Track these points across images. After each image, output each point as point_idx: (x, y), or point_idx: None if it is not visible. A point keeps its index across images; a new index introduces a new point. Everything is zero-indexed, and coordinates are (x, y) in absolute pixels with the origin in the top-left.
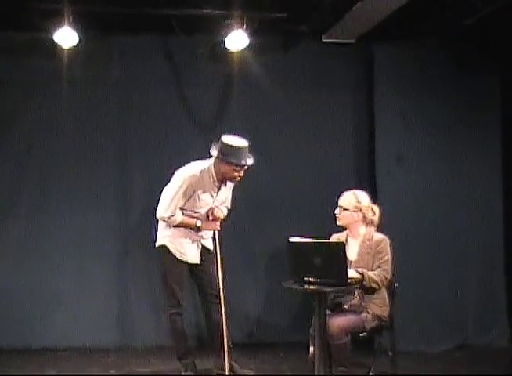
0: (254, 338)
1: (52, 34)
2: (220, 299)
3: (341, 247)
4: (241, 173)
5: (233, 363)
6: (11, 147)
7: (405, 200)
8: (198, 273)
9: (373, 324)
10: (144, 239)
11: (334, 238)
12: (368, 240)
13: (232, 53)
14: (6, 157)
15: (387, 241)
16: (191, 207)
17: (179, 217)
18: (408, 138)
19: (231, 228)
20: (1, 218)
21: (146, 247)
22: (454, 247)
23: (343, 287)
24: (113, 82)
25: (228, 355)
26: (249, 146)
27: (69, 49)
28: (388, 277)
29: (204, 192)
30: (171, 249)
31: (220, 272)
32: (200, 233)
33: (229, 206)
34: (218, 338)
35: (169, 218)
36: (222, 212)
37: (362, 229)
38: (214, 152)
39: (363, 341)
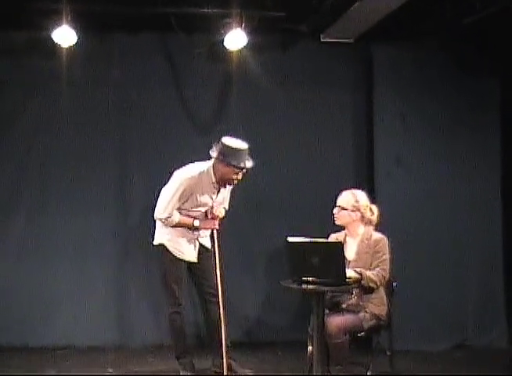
0: (252, 337)
1: (51, 34)
2: (218, 298)
3: (339, 246)
4: (240, 176)
5: (232, 362)
6: (11, 148)
7: (404, 200)
8: (196, 272)
9: (371, 324)
10: (143, 239)
11: (333, 238)
12: (366, 239)
13: (231, 52)
14: (6, 158)
15: (386, 241)
16: (189, 207)
17: (176, 218)
18: (407, 138)
19: (230, 227)
20: (2, 218)
21: (146, 247)
22: (453, 248)
23: (341, 287)
24: (113, 81)
25: (227, 353)
26: (249, 148)
27: (68, 49)
28: (386, 277)
29: (203, 194)
30: (168, 247)
31: (218, 270)
32: (197, 232)
33: (227, 207)
34: (217, 337)
35: (166, 219)
36: (221, 211)
37: (361, 229)
38: (213, 153)
39: (361, 341)
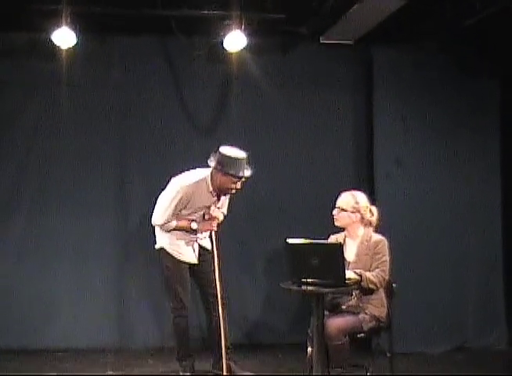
0: (252, 338)
1: (51, 35)
2: (217, 299)
3: (339, 248)
4: (238, 185)
5: (232, 364)
6: (11, 148)
7: (404, 202)
8: (198, 274)
9: (371, 325)
10: (143, 241)
11: (332, 239)
12: (366, 240)
13: (231, 54)
14: (6, 159)
15: (386, 242)
16: (186, 214)
17: (173, 223)
18: (407, 140)
19: (229, 229)
20: (2, 219)
21: (146, 248)
22: (453, 249)
23: (341, 288)
24: (113, 83)
25: (226, 355)
26: (247, 157)
27: (68, 50)
28: (386, 278)
29: (200, 201)
30: (169, 251)
31: (217, 272)
32: (195, 234)
33: (226, 212)
34: (217, 338)
35: (162, 225)
36: (218, 214)
37: (361, 230)
38: (211, 163)
39: (361, 342)
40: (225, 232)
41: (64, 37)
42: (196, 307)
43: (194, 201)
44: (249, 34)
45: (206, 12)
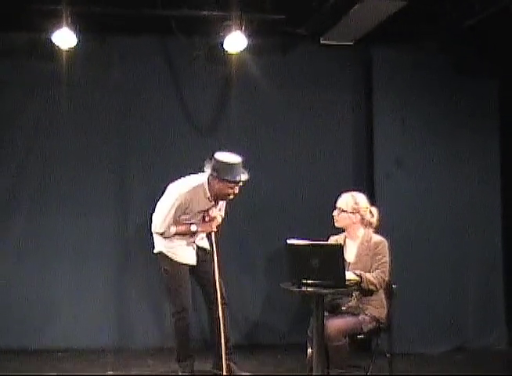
0: (252, 339)
1: (51, 36)
2: (217, 300)
3: (339, 249)
4: (236, 190)
5: (232, 364)
6: (11, 149)
7: (404, 203)
8: (198, 274)
9: (371, 326)
10: (143, 242)
11: (332, 240)
12: (366, 241)
13: (231, 55)
14: (6, 159)
15: (386, 243)
16: (184, 219)
17: (173, 230)
18: (407, 140)
19: (229, 230)
20: (1, 219)
21: (145, 249)
22: (453, 250)
23: (341, 289)
24: (112, 84)
25: (226, 355)
26: (242, 161)
27: (68, 50)
28: (386, 279)
29: (199, 207)
30: (167, 254)
31: (217, 273)
32: (194, 237)
33: (223, 214)
34: (217, 338)
35: (163, 233)
36: (218, 213)
37: (361, 231)
38: (207, 169)
39: (361, 343)
40: (225, 232)
41: (64, 38)
42: (197, 307)
43: (192, 207)
44: (249, 35)
45: (206, 12)
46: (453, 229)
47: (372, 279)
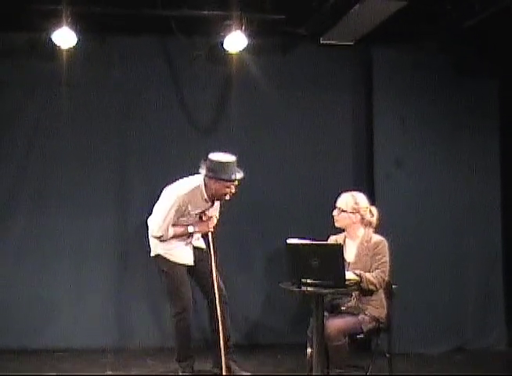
0: (251, 339)
1: (51, 35)
2: (215, 300)
3: (339, 248)
4: (232, 189)
5: (231, 363)
6: (11, 149)
7: (403, 203)
8: (197, 274)
9: (371, 326)
10: (143, 242)
11: (332, 240)
12: (366, 241)
13: (231, 55)
14: (6, 159)
15: (386, 243)
16: (182, 221)
17: (171, 232)
18: (407, 141)
19: (229, 229)
20: (2, 219)
21: (145, 249)
22: (453, 250)
23: (340, 289)
24: (113, 83)
25: (226, 354)
26: (237, 160)
27: (68, 50)
28: (386, 279)
29: (196, 208)
30: (165, 256)
31: (214, 273)
32: (191, 238)
33: (218, 216)
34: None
35: (161, 236)
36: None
37: (360, 231)
38: (202, 170)
39: (361, 343)
40: (225, 232)
41: (64, 38)
42: (197, 308)
43: (190, 209)
44: (249, 35)
45: (206, 12)
46: (453, 229)
47: (372, 279)
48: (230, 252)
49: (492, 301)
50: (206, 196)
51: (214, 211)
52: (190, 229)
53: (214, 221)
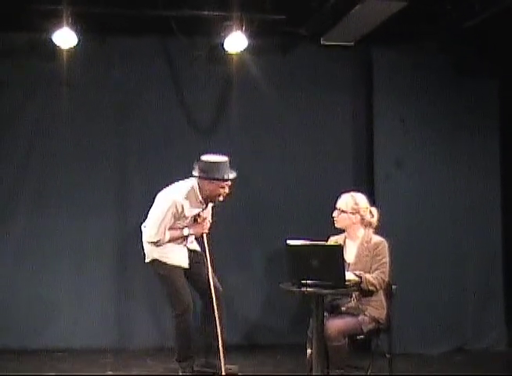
0: (251, 339)
1: (51, 36)
2: (212, 301)
3: (339, 249)
4: (226, 189)
5: (232, 367)
6: (11, 149)
7: (403, 204)
8: (193, 277)
9: (371, 327)
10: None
11: (332, 240)
12: (366, 242)
13: (231, 55)
14: (6, 159)
15: (386, 244)
16: (177, 224)
17: (167, 237)
18: (407, 141)
19: (229, 230)
20: (1, 219)
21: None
22: (453, 251)
23: (340, 290)
24: (113, 84)
25: (218, 353)
26: (229, 161)
27: (68, 51)
28: (386, 280)
29: (192, 211)
30: (161, 259)
31: (211, 274)
32: (187, 240)
33: (211, 220)
34: (215, 338)
35: (158, 241)
36: (209, 214)
37: (361, 232)
38: (195, 173)
39: (361, 344)
40: (225, 233)
41: (65, 38)
42: (196, 309)
43: (186, 212)
44: (249, 35)
45: (206, 13)
46: (453, 230)
47: (372, 279)
48: (230, 253)
49: (492, 301)
50: (201, 198)
51: (208, 214)
52: (185, 231)
53: (208, 223)
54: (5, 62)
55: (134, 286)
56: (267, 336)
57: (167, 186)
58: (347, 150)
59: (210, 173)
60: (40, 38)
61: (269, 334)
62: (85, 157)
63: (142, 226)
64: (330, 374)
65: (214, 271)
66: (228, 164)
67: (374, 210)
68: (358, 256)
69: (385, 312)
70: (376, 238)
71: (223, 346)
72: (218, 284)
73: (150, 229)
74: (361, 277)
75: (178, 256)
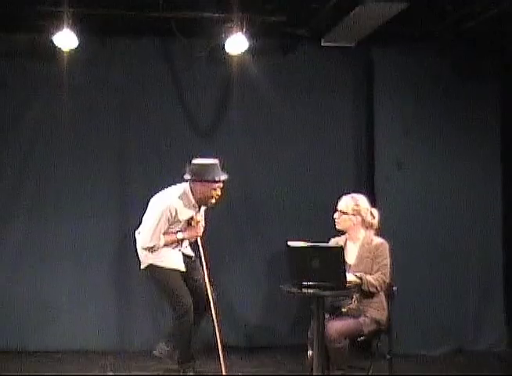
0: (252, 341)
1: (52, 37)
2: (210, 305)
3: (340, 251)
4: (218, 191)
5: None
6: (11, 150)
7: (404, 205)
8: (189, 282)
9: (371, 328)
10: None
11: (333, 242)
12: (367, 243)
13: (232, 56)
14: (6, 160)
15: (386, 245)
16: (171, 229)
17: (162, 242)
18: (407, 142)
19: (229, 231)
20: (2, 220)
21: None
22: (453, 252)
23: (341, 291)
24: (113, 85)
25: (224, 357)
26: (219, 162)
27: (69, 52)
28: (387, 281)
29: (185, 215)
30: (156, 264)
31: (206, 277)
32: (181, 244)
33: (204, 224)
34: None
35: (153, 247)
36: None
37: (361, 233)
38: (187, 176)
39: (361, 345)
40: (225, 234)
41: (65, 39)
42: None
43: (180, 217)
44: (250, 37)
45: (207, 14)
46: (453, 230)
47: (372, 281)
48: (231, 254)
49: (492, 301)
50: (193, 201)
51: (201, 217)
52: (179, 235)
53: (202, 227)
54: (6, 64)
55: (134, 287)
56: (267, 337)
57: (168, 187)
58: (348, 151)
59: (201, 175)
60: (41, 40)
61: (270, 335)
62: (86, 157)
63: (136, 233)
64: (331, 375)
65: (209, 275)
66: (219, 166)
67: (375, 211)
68: (359, 258)
69: (386, 313)
70: (377, 239)
71: (222, 348)
72: (213, 290)
73: (145, 234)
74: (362, 279)
75: (173, 260)
